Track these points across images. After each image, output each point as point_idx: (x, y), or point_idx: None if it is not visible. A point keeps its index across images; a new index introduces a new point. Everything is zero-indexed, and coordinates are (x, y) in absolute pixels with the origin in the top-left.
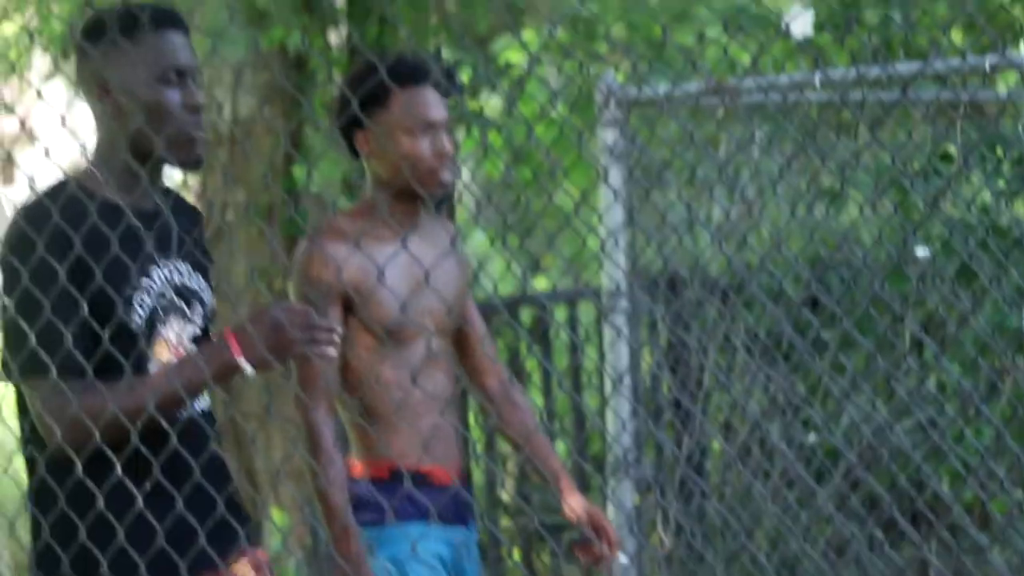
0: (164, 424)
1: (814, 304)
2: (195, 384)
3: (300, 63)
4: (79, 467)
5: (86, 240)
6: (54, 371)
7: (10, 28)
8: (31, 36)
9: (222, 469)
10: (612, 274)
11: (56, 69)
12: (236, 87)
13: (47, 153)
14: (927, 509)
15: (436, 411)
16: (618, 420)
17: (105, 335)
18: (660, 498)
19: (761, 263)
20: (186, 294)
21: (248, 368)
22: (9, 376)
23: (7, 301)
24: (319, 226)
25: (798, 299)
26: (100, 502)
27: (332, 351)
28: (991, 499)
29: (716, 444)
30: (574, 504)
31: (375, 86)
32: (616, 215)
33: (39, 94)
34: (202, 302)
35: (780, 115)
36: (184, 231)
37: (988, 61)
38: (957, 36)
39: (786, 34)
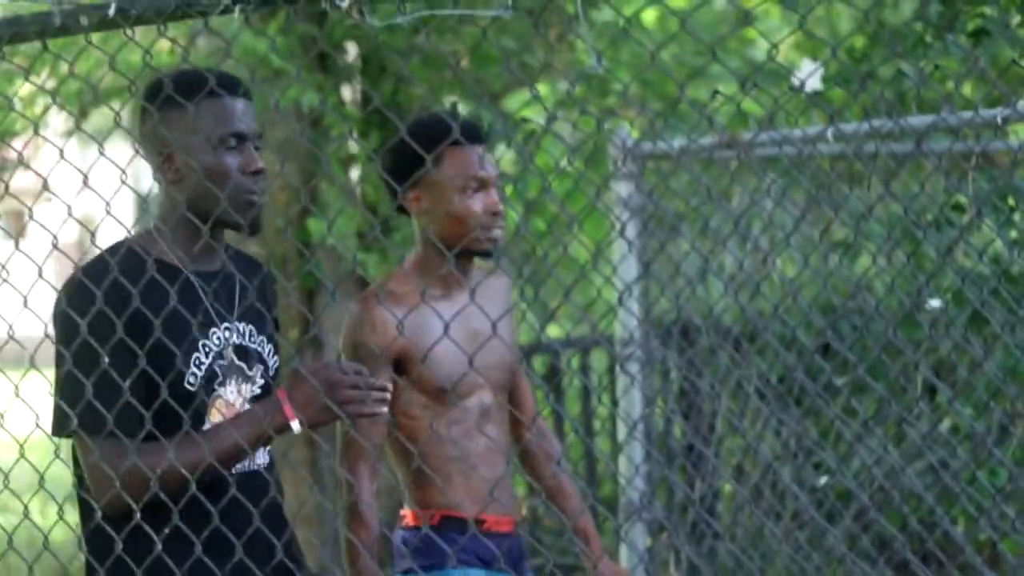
0: (221, 477)
1: (826, 351)
2: (246, 441)
3: (315, 120)
4: (135, 518)
5: (143, 299)
6: (107, 429)
7: (26, 88)
8: (52, 96)
9: (280, 523)
10: (626, 323)
11: (75, 127)
12: None
13: (69, 211)
14: (938, 549)
15: (491, 464)
16: (631, 464)
17: (163, 393)
18: (673, 539)
19: (774, 311)
20: (246, 354)
21: (297, 427)
22: (62, 430)
23: (64, 355)
24: (369, 288)
25: (811, 346)
26: (157, 548)
27: (383, 409)
28: (1003, 539)
29: (728, 487)
30: (606, 571)
31: (425, 146)
32: (631, 266)
33: (61, 153)
34: (263, 362)
35: (793, 168)
36: (247, 291)
37: (1000, 114)
38: (968, 89)
39: (799, 89)
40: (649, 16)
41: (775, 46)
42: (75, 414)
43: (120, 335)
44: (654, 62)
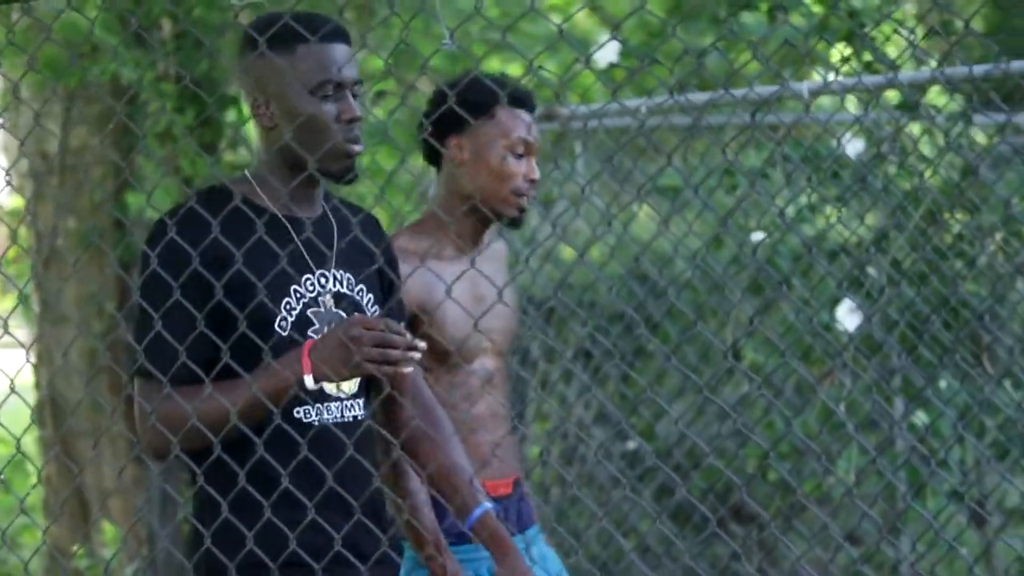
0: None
1: (647, 321)
2: (264, 392)
3: (132, 95)
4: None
5: (230, 239)
6: (162, 372)
7: None
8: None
9: (357, 478)
10: None
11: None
12: (68, 118)
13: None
14: (755, 504)
15: (491, 428)
16: None
17: (237, 330)
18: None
19: (567, 279)
20: (343, 302)
21: (310, 382)
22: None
23: (141, 299)
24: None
25: (629, 313)
26: (224, 509)
27: (409, 369)
28: (810, 489)
29: (536, 451)
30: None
31: (485, 94)
32: None
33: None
34: (360, 310)
35: (581, 140)
36: (352, 241)
37: (773, 91)
38: (753, 67)
39: (587, 63)
40: None
41: (567, 19)
42: (136, 358)
43: (200, 278)
44: (451, 39)
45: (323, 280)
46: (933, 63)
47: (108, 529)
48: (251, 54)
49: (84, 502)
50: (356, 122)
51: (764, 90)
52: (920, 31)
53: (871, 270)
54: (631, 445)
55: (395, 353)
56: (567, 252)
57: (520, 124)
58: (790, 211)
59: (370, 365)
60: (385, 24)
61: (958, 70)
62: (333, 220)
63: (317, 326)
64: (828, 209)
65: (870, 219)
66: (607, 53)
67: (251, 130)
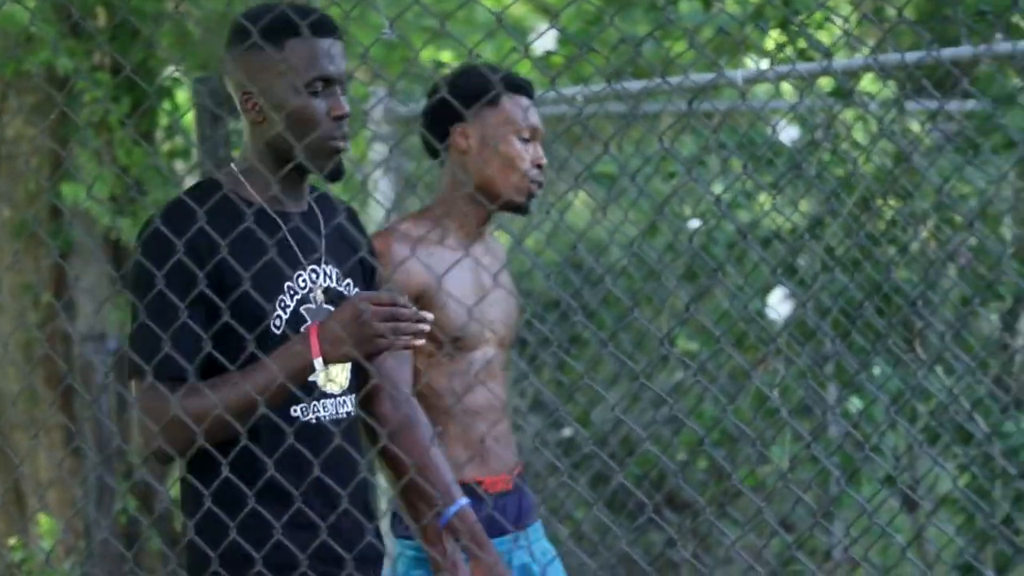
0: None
1: (584, 309)
2: (271, 384)
3: (67, 85)
4: (184, 468)
5: (224, 238)
6: (165, 374)
7: None
8: None
9: (352, 473)
10: None
11: None
12: (3, 108)
13: None
14: (689, 489)
15: (488, 419)
16: None
17: (251, 345)
18: None
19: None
20: (334, 297)
21: (319, 365)
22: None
23: (134, 298)
24: (384, 228)
25: (556, 299)
26: (207, 502)
27: (420, 342)
28: (746, 477)
29: None
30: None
31: (486, 83)
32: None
33: None
34: None
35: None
36: (336, 234)
37: (708, 79)
38: (689, 55)
39: (525, 51)
40: None
41: (505, 7)
42: (133, 358)
43: (195, 275)
44: (392, 27)
45: (314, 275)
46: (866, 50)
47: (44, 521)
48: (240, 47)
49: (20, 494)
50: (345, 118)
51: (699, 78)
52: (854, 19)
53: (802, 259)
54: (567, 432)
55: (405, 326)
56: (503, 239)
57: (527, 110)
58: (725, 198)
59: (382, 341)
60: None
61: (890, 57)
62: (320, 213)
63: (310, 322)
64: (763, 196)
65: (804, 206)
66: (544, 41)
67: (188, 120)
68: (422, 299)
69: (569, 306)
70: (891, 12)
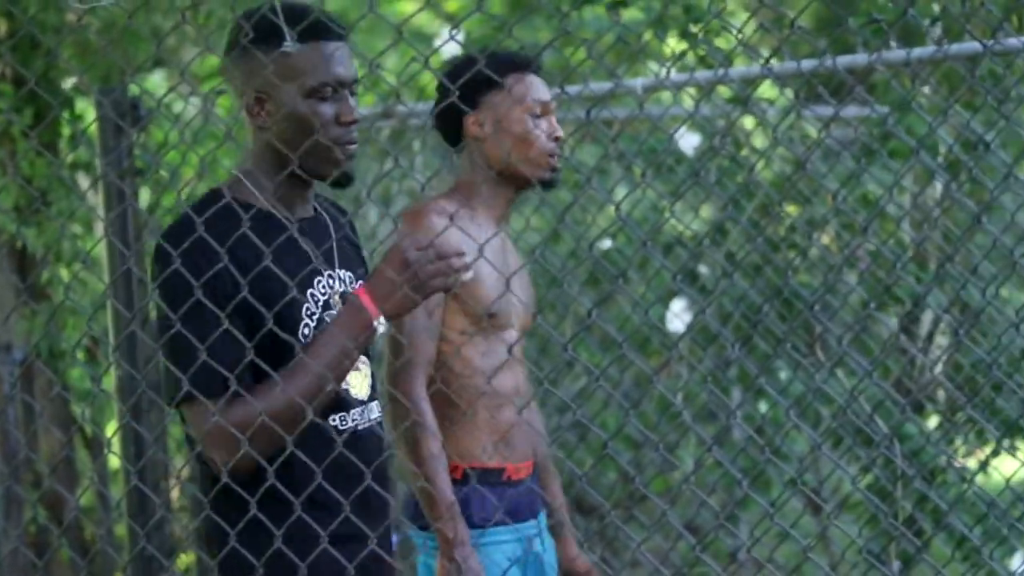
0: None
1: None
2: (340, 359)
3: None
4: (266, 477)
5: (247, 250)
6: (228, 389)
7: None
8: None
9: (387, 481)
10: None
11: None
12: None
13: None
14: (595, 493)
15: (513, 406)
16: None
17: (260, 334)
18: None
19: None
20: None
21: (381, 327)
22: (176, 398)
23: (170, 318)
24: (416, 206)
25: None
26: (253, 510)
27: (470, 275)
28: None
29: None
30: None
31: (489, 67)
32: None
33: None
34: None
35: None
36: (344, 238)
37: (608, 87)
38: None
39: (426, 64)
40: None
41: (407, 19)
42: (187, 378)
43: (230, 287)
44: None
45: (331, 281)
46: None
47: None
48: (244, 49)
49: None
50: (354, 124)
51: (599, 87)
52: (750, 27)
53: (704, 265)
54: None
55: (456, 262)
56: None
57: (536, 86)
58: (626, 206)
59: (437, 280)
60: (222, 27)
61: (787, 65)
62: (327, 218)
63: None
64: (663, 203)
65: (705, 212)
66: (448, 48)
67: (92, 130)
68: None
69: None
70: (788, 21)
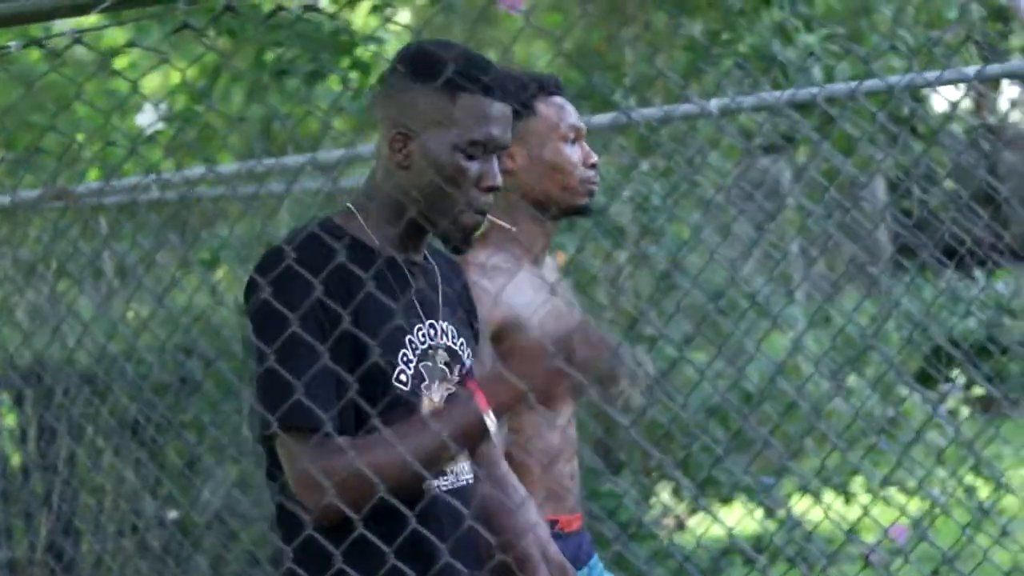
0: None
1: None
2: (449, 441)
3: None
4: (355, 526)
5: (351, 286)
6: (321, 429)
7: None
8: None
9: (472, 551)
10: None
11: None
12: None
13: None
14: None
15: (568, 456)
16: None
17: (355, 381)
18: None
19: (130, 351)
20: (451, 356)
21: (492, 424)
22: (268, 433)
23: (261, 346)
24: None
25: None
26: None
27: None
28: None
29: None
30: None
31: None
32: None
33: None
34: (462, 364)
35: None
36: (451, 290)
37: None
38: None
39: (146, 136)
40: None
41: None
42: (280, 412)
43: (331, 325)
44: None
45: (432, 331)
46: None
47: None
48: (405, 82)
49: None
50: (493, 192)
51: (331, 154)
52: None
53: None
54: (172, 515)
55: (603, 350)
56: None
57: (566, 110)
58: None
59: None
60: None
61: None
62: (436, 266)
63: (428, 382)
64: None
65: None
66: (148, 117)
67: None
68: (504, 329)
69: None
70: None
